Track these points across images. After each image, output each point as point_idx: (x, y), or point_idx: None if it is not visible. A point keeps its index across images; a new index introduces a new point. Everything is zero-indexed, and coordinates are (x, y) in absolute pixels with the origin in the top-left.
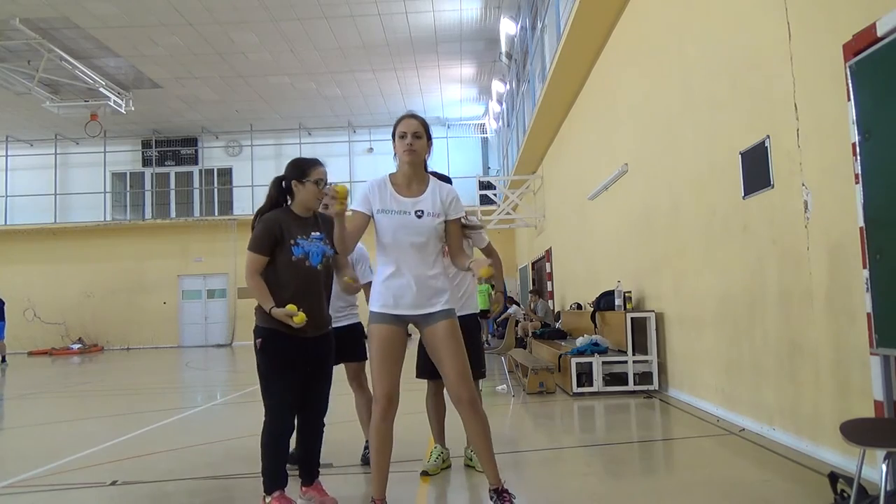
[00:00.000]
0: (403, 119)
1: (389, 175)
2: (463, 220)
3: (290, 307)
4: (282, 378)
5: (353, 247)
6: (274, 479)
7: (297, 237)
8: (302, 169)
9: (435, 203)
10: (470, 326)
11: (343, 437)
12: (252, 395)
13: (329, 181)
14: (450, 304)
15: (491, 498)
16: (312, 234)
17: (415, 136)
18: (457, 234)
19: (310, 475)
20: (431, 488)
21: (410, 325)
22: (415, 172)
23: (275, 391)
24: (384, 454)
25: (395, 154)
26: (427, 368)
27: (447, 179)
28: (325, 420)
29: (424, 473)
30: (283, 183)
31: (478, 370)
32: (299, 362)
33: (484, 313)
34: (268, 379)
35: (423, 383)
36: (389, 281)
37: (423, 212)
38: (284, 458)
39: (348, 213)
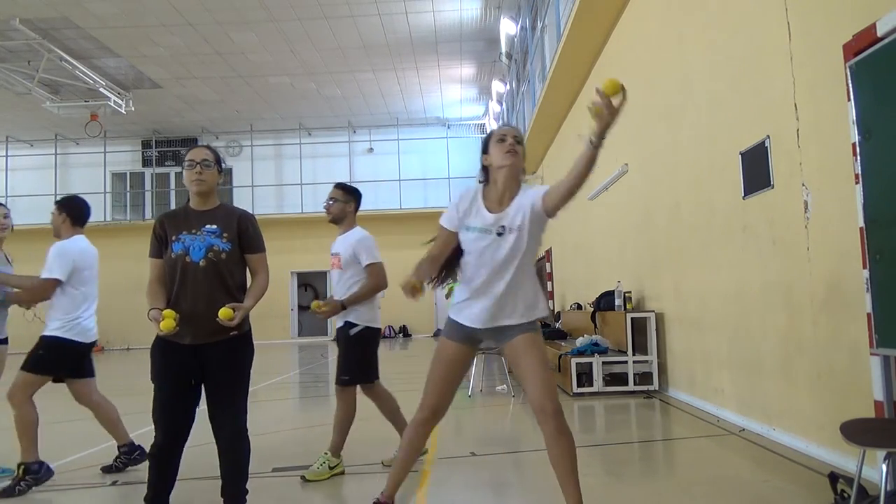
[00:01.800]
0: (499, 128)
1: (483, 186)
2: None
3: (166, 312)
4: (159, 389)
5: (435, 269)
6: (147, 499)
7: (182, 232)
8: (183, 157)
9: (518, 213)
10: (346, 336)
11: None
12: (252, 395)
13: (334, 189)
14: (528, 316)
15: None
16: (206, 227)
17: (516, 139)
18: (550, 193)
19: (225, 498)
20: (432, 488)
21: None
22: (511, 183)
23: (156, 401)
24: (411, 454)
25: (483, 168)
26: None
27: (353, 191)
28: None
29: (303, 478)
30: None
31: (341, 376)
32: (176, 373)
33: None
34: (154, 386)
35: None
36: (470, 295)
37: (504, 227)
38: (159, 479)
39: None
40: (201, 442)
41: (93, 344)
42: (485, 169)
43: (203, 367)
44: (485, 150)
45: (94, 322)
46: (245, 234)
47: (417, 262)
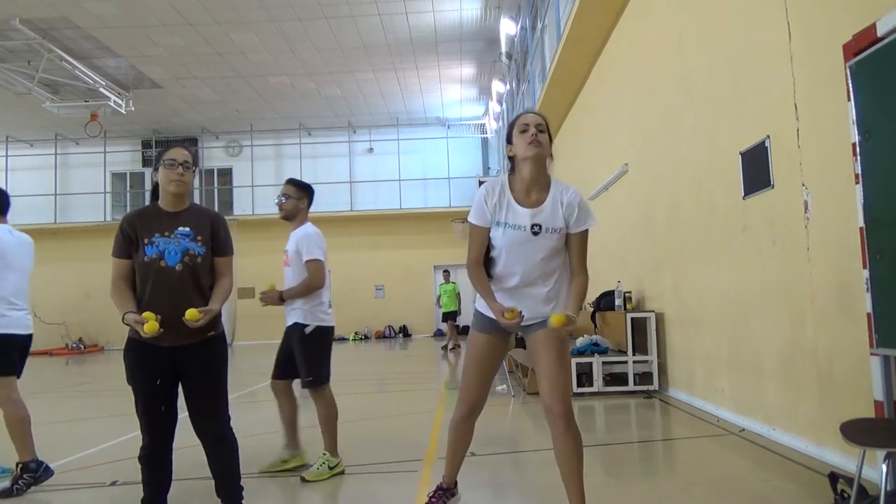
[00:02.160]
0: (522, 115)
1: (508, 177)
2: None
3: (146, 314)
4: (139, 390)
5: (480, 271)
6: (144, 501)
7: (154, 235)
8: (158, 156)
9: (556, 215)
10: (295, 336)
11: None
12: (252, 395)
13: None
14: (555, 310)
15: None
16: (178, 229)
17: (538, 128)
18: (579, 249)
19: (223, 498)
20: (432, 488)
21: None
22: (538, 174)
23: (136, 405)
24: (460, 449)
25: (506, 162)
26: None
27: (306, 187)
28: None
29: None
30: (155, 182)
31: (305, 378)
32: (152, 376)
33: (450, 315)
34: (132, 389)
35: (437, 382)
36: (500, 292)
37: (540, 227)
38: (152, 480)
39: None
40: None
41: (21, 338)
42: (510, 159)
43: (180, 369)
44: (509, 140)
45: (21, 315)
46: (216, 237)
47: (484, 297)
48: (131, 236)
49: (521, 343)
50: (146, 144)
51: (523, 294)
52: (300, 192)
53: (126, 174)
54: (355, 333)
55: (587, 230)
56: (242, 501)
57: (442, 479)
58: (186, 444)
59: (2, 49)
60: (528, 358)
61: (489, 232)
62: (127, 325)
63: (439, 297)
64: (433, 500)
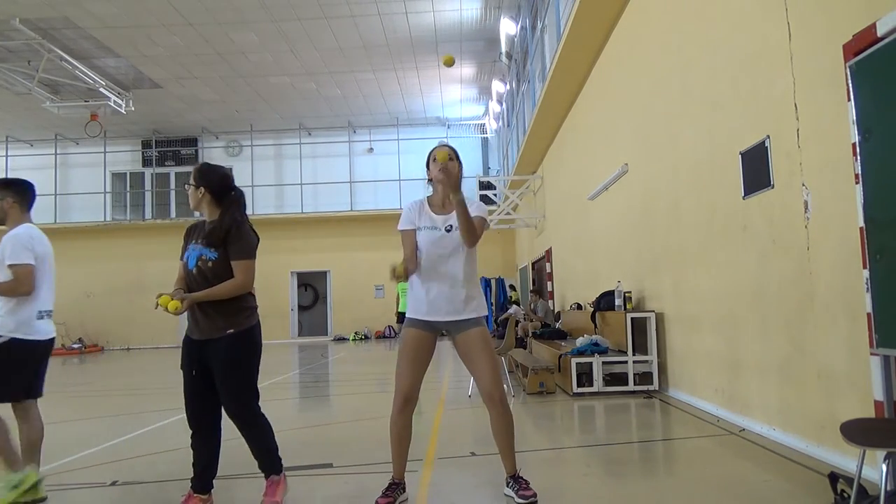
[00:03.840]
0: (436, 149)
1: (427, 197)
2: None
3: (172, 293)
4: (184, 375)
5: (415, 263)
6: (192, 479)
7: (192, 242)
8: None
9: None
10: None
11: (343, 438)
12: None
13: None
14: (477, 312)
15: (507, 483)
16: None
17: (450, 158)
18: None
19: (261, 469)
20: (432, 488)
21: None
22: (447, 193)
23: (184, 391)
24: (403, 443)
25: (428, 179)
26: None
27: (11, 183)
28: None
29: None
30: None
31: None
32: (188, 364)
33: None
34: None
35: (436, 382)
36: (420, 291)
37: (451, 226)
38: (196, 461)
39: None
40: None
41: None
42: (430, 181)
43: (208, 359)
44: (427, 167)
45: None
46: (228, 243)
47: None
48: (186, 242)
49: (520, 343)
50: (146, 144)
51: (441, 296)
52: (3, 190)
53: (126, 174)
54: (355, 333)
55: (479, 216)
56: (279, 473)
57: (393, 476)
58: (187, 445)
59: (2, 49)
60: (461, 354)
61: (415, 233)
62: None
63: (398, 296)
64: (387, 493)
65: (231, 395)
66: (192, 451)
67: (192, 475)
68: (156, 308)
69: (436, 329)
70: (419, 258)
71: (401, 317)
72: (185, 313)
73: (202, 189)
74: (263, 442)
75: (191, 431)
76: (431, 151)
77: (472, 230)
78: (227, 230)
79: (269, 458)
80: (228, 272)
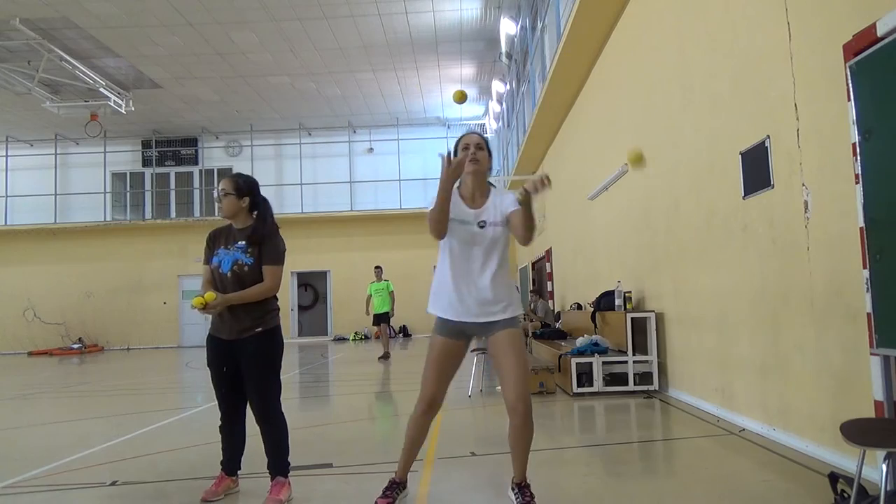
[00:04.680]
0: (464, 136)
1: (456, 187)
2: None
3: (207, 293)
4: (212, 373)
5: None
6: (223, 463)
7: (221, 247)
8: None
9: (496, 212)
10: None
11: (343, 438)
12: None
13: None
14: (511, 312)
15: (513, 489)
16: (238, 243)
17: (477, 147)
18: (518, 221)
19: (269, 470)
20: (432, 488)
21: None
22: (479, 184)
23: (213, 385)
24: (416, 444)
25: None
26: None
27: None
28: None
29: None
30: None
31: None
32: (219, 362)
33: (382, 317)
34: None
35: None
36: (448, 290)
37: (484, 222)
38: (227, 446)
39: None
40: (202, 442)
41: None
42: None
43: (238, 358)
44: (455, 154)
45: None
46: (262, 250)
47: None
48: (210, 247)
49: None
50: (146, 144)
51: (471, 295)
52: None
53: (126, 174)
54: (355, 333)
55: (518, 210)
56: (286, 475)
57: (395, 474)
58: (187, 445)
59: (2, 49)
60: (491, 358)
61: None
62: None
63: (369, 297)
64: (387, 493)
65: (258, 391)
66: (221, 438)
67: (222, 459)
68: (192, 308)
69: (465, 335)
70: (449, 252)
71: (377, 319)
72: (203, 313)
73: (246, 199)
74: (279, 440)
75: (221, 421)
76: (460, 139)
77: (533, 229)
78: (265, 236)
79: (280, 458)
80: (260, 276)
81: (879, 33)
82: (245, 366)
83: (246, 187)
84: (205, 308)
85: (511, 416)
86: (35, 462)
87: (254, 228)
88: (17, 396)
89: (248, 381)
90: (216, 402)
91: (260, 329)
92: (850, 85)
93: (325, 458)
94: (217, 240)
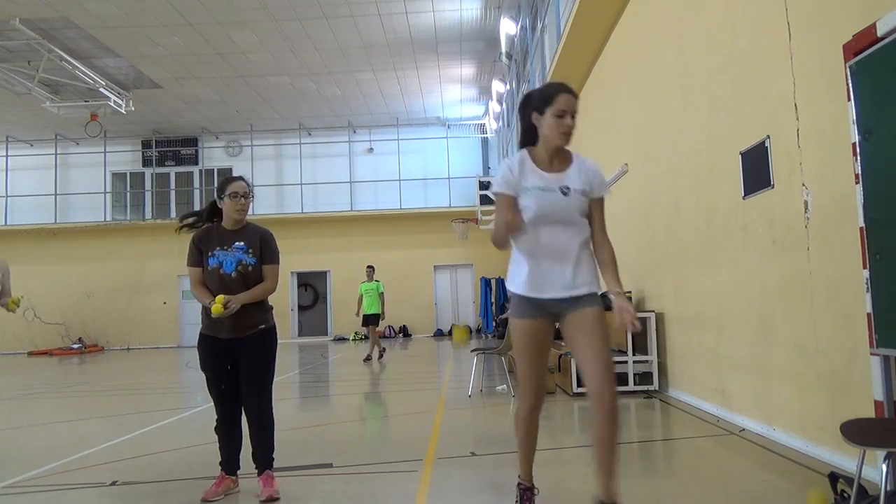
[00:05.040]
0: (561, 94)
1: (528, 150)
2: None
3: (217, 298)
4: (207, 374)
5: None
6: (222, 463)
7: (216, 249)
8: (221, 187)
9: (579, 179)
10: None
11: (343, 438)
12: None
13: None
14: (597, 287)
15: None
16: (235, 244)
17: (573, 115)
18: (600, 216)
19: (257, 465)
20: (432, 488)
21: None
22: (561, 149)
23: (207, 386)
24: (532, 443)
25: (520, 130)
26: None
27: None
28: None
29: None
30: (215, 202)
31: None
32: (218, 362)
33: (372, 318)
34: (204, 374)
35: (426, 381)
36: (533, 264)
37: (568, 188)
38: (226, 446)
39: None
40: (202, 442)
41: None
42: (530, 128)
43: (236, 357)
44: (538, 110)
45: None
46: (263, 250)
47: (504, 222)
48: (201, 249)
49: None
50: (146, 144)
51: (553, 269)
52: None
53: (126, 174)
54: (355, 333)
55: (603, 198)
56: (272, 468)
57: (520, 479)
58: (187, 445)
59: (2, 49)
60: (568, 338)
61: (516, 201)
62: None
63: (360, 297)
64: (525, 502)
65: (257, 386)
66: (219, 439)
67: (221, 459)
68: (214, 316)
69: (549, 313)
70: (523, 225)
71: (367, 320)
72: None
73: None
74: (269, 436)
75: (218, 423)
76: (552, 95)
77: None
78: (265, 237)
79: (269, 453)
80: (261, 275)
81: (879, 33)
82: (246, 362)
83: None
84: (222, 312)
85: (595, 406)
86: (35, 462)
87: (253, 230)
88: (18, 396)
89: (248, 377)
90: (213, 404)
91: (262, 326)
92: (850, 85)
93: (325, 458)
94: (208, 241)
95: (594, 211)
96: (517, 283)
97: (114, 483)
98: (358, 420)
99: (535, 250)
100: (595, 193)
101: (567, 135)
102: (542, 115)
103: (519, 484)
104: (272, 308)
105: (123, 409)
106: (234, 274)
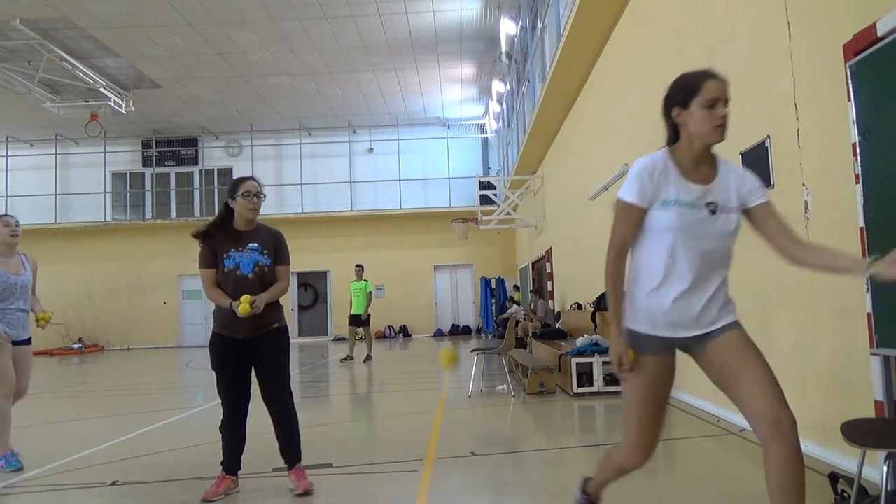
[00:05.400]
0: (708, 81)
1: (669, 150)
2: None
3: (243, 297)
4: (220, 374)
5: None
6: (223, 463)
7: (231, 250)
8: (233, 187)
9: (729, 192)
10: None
11: (343, 438)
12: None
13: (259, 192)
14: (735, 313)
15: None
16: (249, 245)
17: (725, 103)
18: (779, 219)
19: (288, 461)
20: (432, 488)
21: None
22: (709, 149)
23: (217, 386)
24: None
25: (668, 124)
26: None
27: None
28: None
29: None
30: (227, 204)
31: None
32: (234, 361)
33: (357, 319)
34: (215, 374)
35: (426, 381)
36: (661, 296)
37: (716, 205)
38: (230, 445)
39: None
40: (202, 442)
41: None
42: (672, 125)
43: (253, 356)
44: (682, 104)
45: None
46: (278, 251)
47: (611, 308)
48: (214, 251)
49: (521, 343)
50: (146, 144)
51: (691, 300)
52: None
53: (126, 174)
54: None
55: (769, 201)
56: (300, 461)
57: (589, 490)
58: (187, 445)
59: (2, 49)
60: (717, 372)
61: (645, 215)
62: (231, 311)
63: (350, 298)
64: None
65: (278, 383)
66: (223, 438)
67: (223, 459)
68: (241, 316)
69: (674, 347)
70: (659, 246)
71: (353, 320)
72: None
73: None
74: (295, 429)
75: (224, 422)
76: (688, 79)
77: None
78: (278, 238)
79: (297, 446)
80: (274, 277)
81: (879, 33)
82: (263, 360)
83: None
84: (249, 311)
85: (771, 440)
86: (35, 462)
87: (265, 231)
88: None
89: (267, 374)
90: (220, 402)
91: (276, 325)
92: (850, 85)
93: (325, 458)
94: (222, 244)
95: (764, 219)
96: (642, 320)
97: (114, 483)
98: (358, 420)
99: (671, 280)
100: (755, 200)
101: (723, 128)
102: (686, 110)
103: (585, 490)
104: (283, 307)
105: (123, 409)
106: (251, 275)
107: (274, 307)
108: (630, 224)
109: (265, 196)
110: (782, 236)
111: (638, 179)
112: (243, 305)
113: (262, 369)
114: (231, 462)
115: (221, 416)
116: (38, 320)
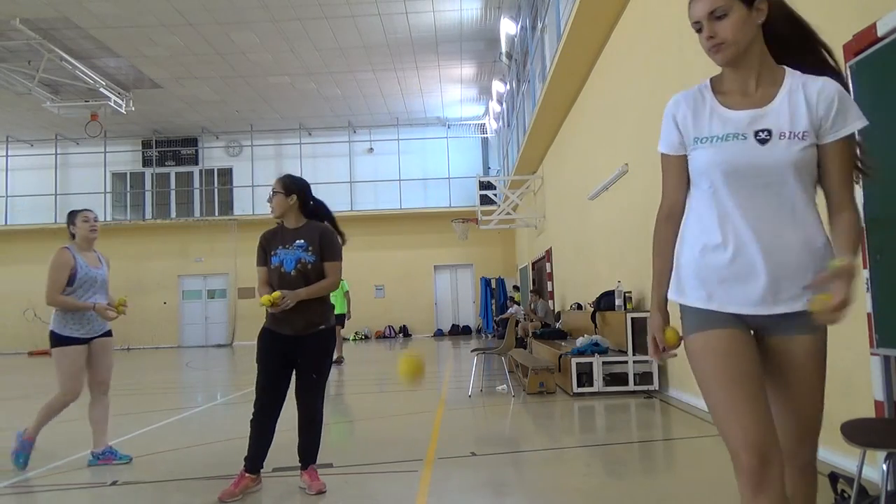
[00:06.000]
0: (690, 4)
1: (711, 79)
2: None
3: (275, 293)
4: (262, 367)
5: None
6: (246, 459)
7: (278, 248)
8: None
9: (796, 113)
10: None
11: (343, 438)
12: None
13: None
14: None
15: None
16: (296, 242)
17: (714, 17)
18: (841, 169)
19: (303, 460)
20: (432, 488)
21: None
22: (758, 64)
23: (258, 378)
24: None
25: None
26: None
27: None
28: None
29: None
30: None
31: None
32: (276, 356)
33: (340, 318)
34: (257, 366)
35: (426, 381)
36: (715, 255)
37: (769, 132)
38: (256, 441)
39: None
40: (202, 442)
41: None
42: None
43: (297, 354)
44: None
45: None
46: (323, 247)
47: (654, 279)
48: (265, 249)
49: (521, 343)
50: (146, 144)
51: (754, 265)
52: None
53: (126, 174)
54: (356, 333)
55: (853, 137)
56: (315, 463)
57: None
58: (187, 445)
59: (2, 49)
60: (768, 371)
61: (686, 166)
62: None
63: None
64: None
65: (315, 386)
66: (251, 433)
67: (247, 455)
68: (261, 306)
69: (744, 323)
70: (702, 192)
71: (336, 319)
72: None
73: (294, 197)
74: (319, 432)
75: (255, 415)
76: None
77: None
78: (324, 233)
79: (317, 448)
80: (322, 272)
81: (879, 33)
82: (305, 361)
83: (293, 186)
84: (273, 305)
85: (787, 463)
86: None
87: (313, 228)
88: (18, 396)
89: (306, 376)
90: (256, 396)
91: (323, 326)
92: (850, 85)
93: (325, 458)
94: (272, 241)
95: (829, 160)
96: (687, 289)
97: (114, 483)
98: (358, 420)
99: (727, 228)
100: (830, 134)
101: (716, 48)
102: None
103: None
104: (333, 308)
105: (123, 409)
106: (293, 272)
107: (322, 306)
108: (671, 178)
109: (275, 193)
110: (836, 191)
111: (664, 125)
112: (265, 297)
113: (303, 369)
114: (256, 459)
115: (253, 409)
116: (116, 307)
